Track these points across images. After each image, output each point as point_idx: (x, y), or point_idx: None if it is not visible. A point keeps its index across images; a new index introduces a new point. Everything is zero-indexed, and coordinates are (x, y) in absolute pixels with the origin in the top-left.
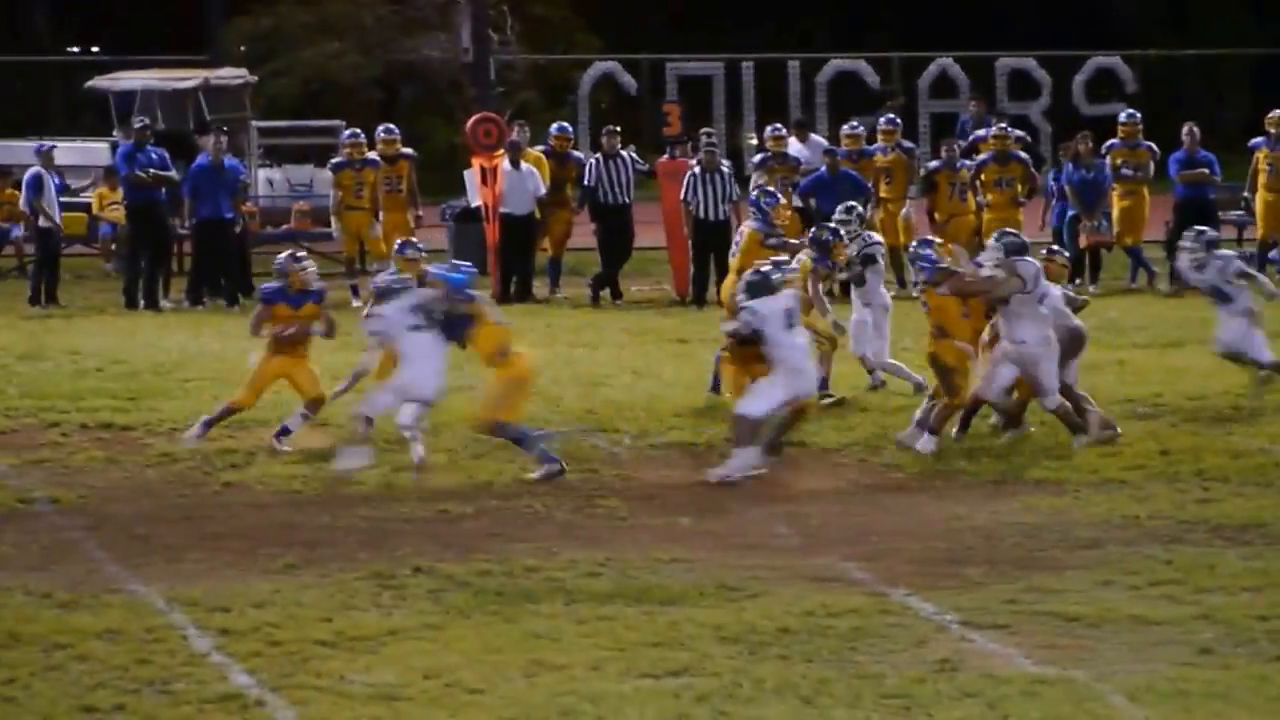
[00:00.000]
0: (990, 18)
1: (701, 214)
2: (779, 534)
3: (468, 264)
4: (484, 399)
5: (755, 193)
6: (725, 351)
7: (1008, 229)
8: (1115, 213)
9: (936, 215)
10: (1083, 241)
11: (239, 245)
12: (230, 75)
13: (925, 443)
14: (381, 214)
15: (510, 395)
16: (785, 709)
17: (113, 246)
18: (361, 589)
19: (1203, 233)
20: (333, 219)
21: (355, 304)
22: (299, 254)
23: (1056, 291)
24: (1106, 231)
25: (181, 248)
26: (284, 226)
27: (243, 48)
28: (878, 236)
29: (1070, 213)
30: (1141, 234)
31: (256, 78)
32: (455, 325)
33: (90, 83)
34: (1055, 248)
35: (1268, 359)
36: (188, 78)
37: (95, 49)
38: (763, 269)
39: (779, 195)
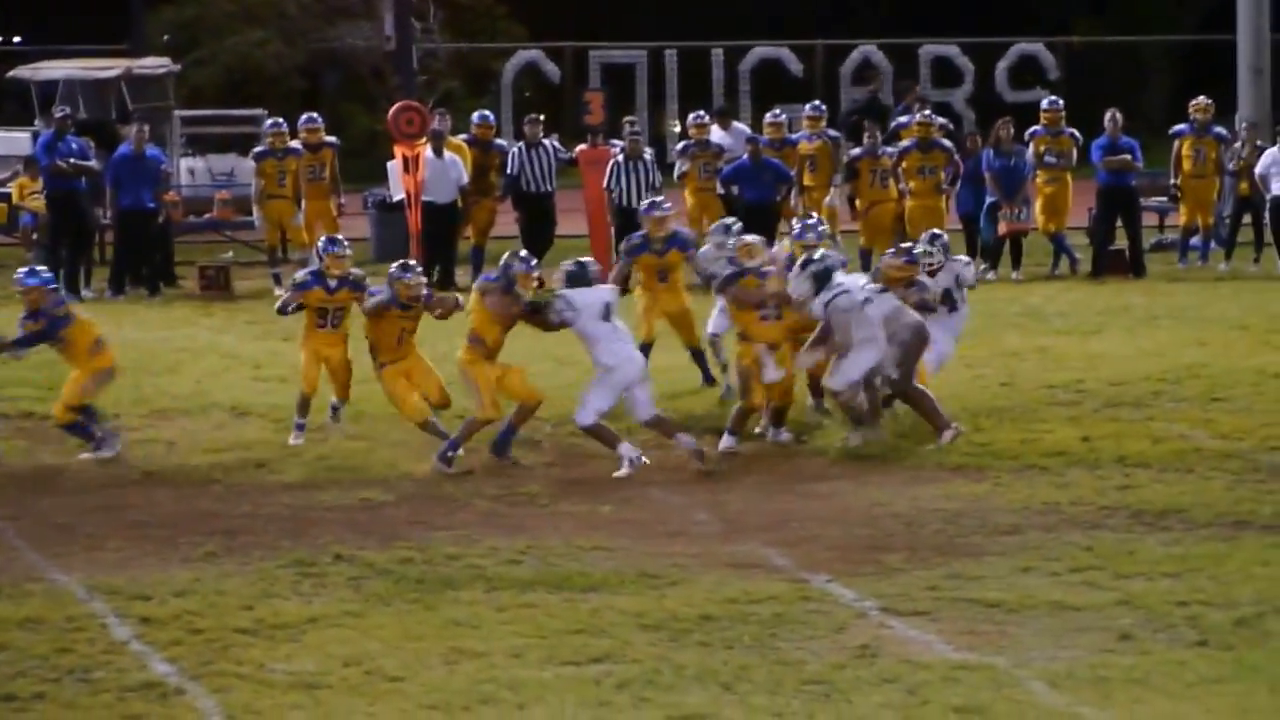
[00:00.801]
0: (913, 5)
1: (624, 202)
2: (699, 521)
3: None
4: (69, 391)
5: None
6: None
7: (825, 254)
8: (1038, 200)
9: (858, 202)
10: (1002, 229)
11: (161, 235)
12: (153, 64)
13: (724, 442)
14: (304, 202)
15: (97, 385)
16: (706, 696)
17: (34, 236)
18: (282, 577)
19: (938, 236)
20: (255, 208)
21: (277, 292)
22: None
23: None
24: (1026, 219)
25: (104, 237)
26: (206, 215)
27: (165, 37)
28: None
29: (990, 199)
30: (1064, 221)
31: (179, 67)
32: (53, 327)
33: (12, 72)
34: (906, 247)
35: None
36: (110, 67)
37: (17, 39)
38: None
39: (658, 205)
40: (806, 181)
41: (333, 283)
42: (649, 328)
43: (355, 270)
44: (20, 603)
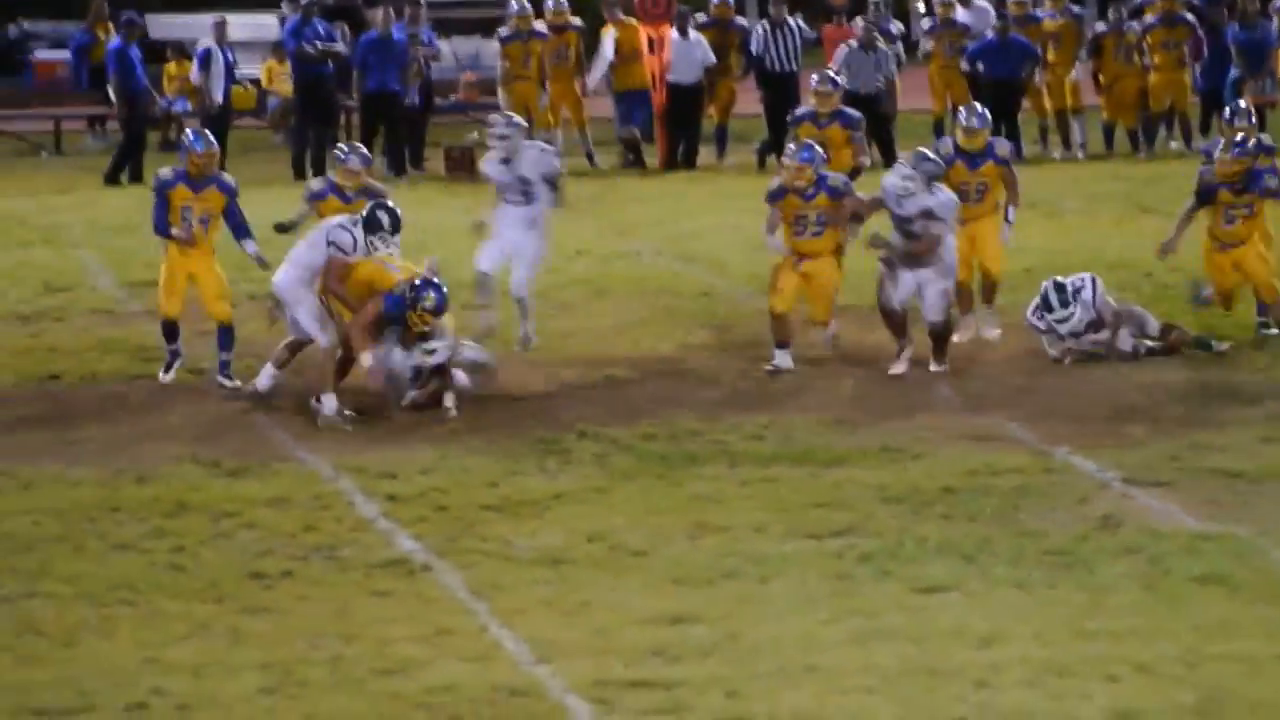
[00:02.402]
0: None
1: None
2: (941, 396)
3: None
4: None
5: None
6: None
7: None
8: None
9: (1102, 78)
10: (1246, 102)
11: (419, 115)
12: None
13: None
14: (549, 84)
15: None
16: (948, 567)
17: (281, 119)
18: (527, 454)
19: (927, 158)
20: (500, 90)
21: None
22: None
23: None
24: (1272, 91)
25: (349, 120)
26: (452, 97)
27: None
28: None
29: (1234, 73)
30: None
31: None
32: None
33: None
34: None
35: None
36: None
37: None
38: None
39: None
40: (1050, 58)
41: (350, 193)
42: None
43: (373, 182)
44: (268, 482)
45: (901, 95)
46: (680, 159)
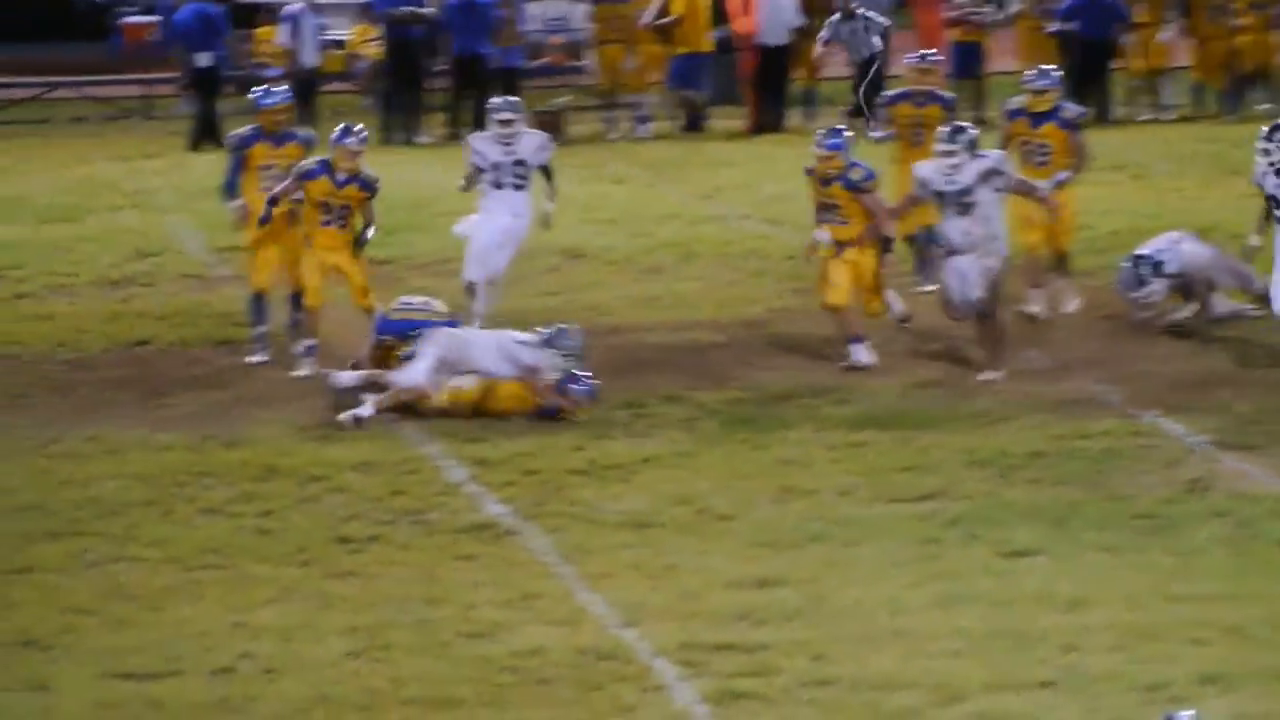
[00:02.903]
0: None
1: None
2: (1030, 359)
3: None
4: None
5: None
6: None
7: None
8: None
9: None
10: None
11: (509, 78)
12: None
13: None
14: (638, 46)
15: None
16: (1035, 531)
17: (369, 82)
18: (614, 418)
19: (963, 130)
20: (588, 53)
21: (612, 137)
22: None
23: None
24: None
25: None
26: (540, 61)
27: None
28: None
29: None
30: None
31: None
32: None
33: None
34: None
35: None
36: None
37: None
38: None
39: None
40: (1139, 18)
41: (341, 176)
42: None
43: (369, 170)
44: (355, 446)
45: (990, 56)
46: (768, 121)
